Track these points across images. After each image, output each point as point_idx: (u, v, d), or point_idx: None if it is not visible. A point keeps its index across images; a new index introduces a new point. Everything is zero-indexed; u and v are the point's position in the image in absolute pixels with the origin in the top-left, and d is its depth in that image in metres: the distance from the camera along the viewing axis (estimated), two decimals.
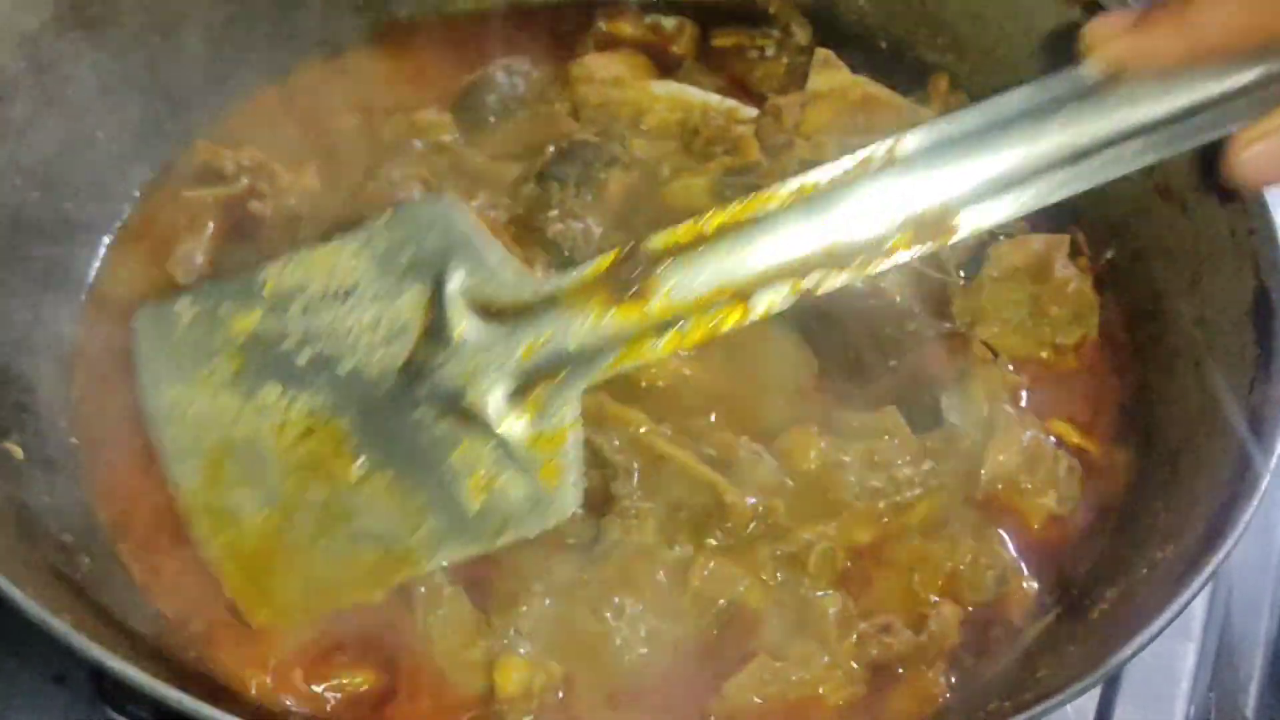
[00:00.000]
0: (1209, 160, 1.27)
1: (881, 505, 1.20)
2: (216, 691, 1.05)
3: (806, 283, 1.04)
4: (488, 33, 1.56)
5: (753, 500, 1.18)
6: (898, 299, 1.33)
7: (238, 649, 1.12)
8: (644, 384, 1.25)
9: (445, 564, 1.11)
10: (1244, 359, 1.20)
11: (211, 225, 1.36)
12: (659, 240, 1.05)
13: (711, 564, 1.15)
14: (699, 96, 1.47)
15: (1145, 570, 1.13)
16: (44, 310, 1.27)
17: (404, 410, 1.09)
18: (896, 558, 1.19)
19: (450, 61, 1.53)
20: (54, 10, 1.29)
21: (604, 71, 1.49)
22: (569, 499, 1.10)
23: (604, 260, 1.06)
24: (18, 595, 0.96)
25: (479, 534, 1.10)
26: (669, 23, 1.58)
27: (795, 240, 1.03)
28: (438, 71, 1.52)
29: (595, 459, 1.18)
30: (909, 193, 1.02)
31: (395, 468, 1.10)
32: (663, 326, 1.06)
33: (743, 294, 1.05)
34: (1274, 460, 1.10)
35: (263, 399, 1.10)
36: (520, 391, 1.08)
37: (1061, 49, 1.01)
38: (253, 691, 1.10)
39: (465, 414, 1.08)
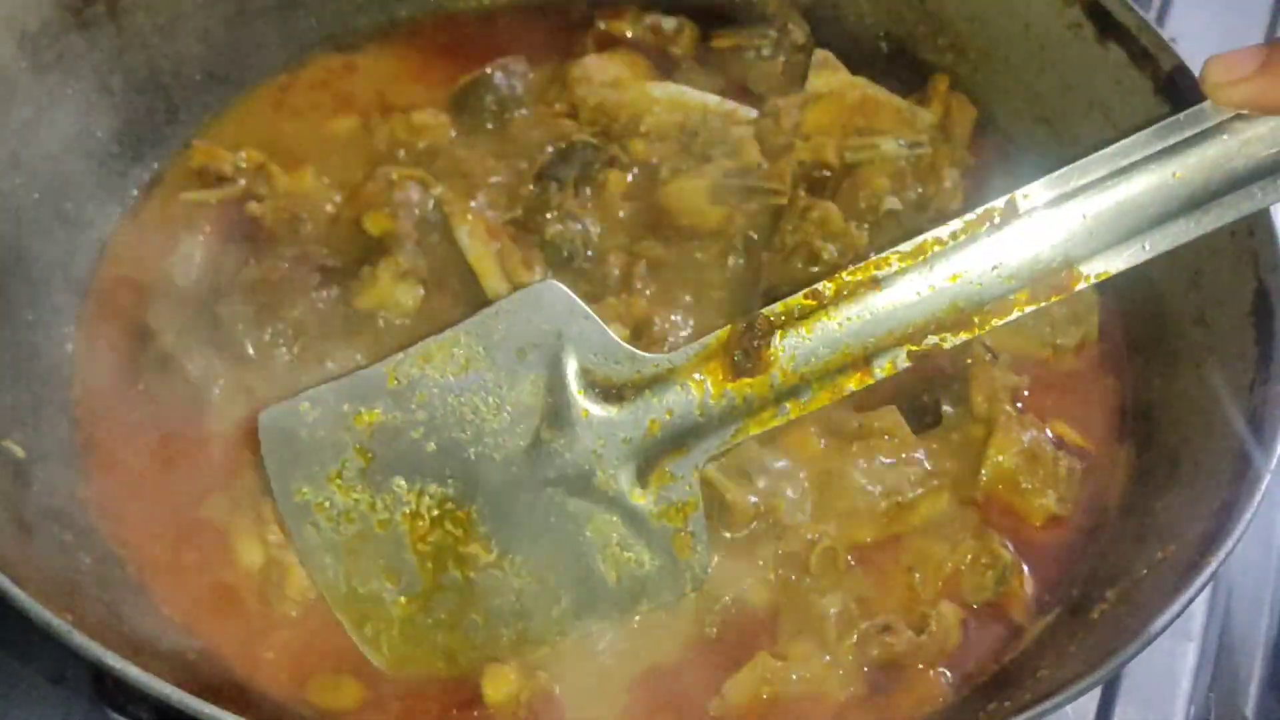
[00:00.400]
0: None
1: (882, 505, 1.20)
2: (216, 690, 1.04)
3: (927, 343, 1.05)
4: (486, 33, 1.56)
5: (754, 500, 1.17)
6: None
7: (237, 647, 1.13)
8: None
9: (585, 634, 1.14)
10: (1244, 359, 1.20)
11: (210, 226, 1.36)
12: (776, 309, 1.06)
13: (712, 565, 1.15)
14: (698, 98, 1.47)
15: (1146, 570, 1.13)
16: (44, 309, 1.27)
17: (533, 492, 1.11)
18: (897, 557, 1.20)
19: (448, 62, 1.53)
20: (54, 10, 1.29)
21: (603, 72, 1.49)
22: (702, 564, 1.13)
23: (723, 333, 1.08)
24: (19, 594, 0.96)
25: (616, 605, 1.13)
26: (668, 23, 1.58)
27: (914, 302, 1.04)
28: (436, 72, 1.52)
29: None
30: (1030, 247, 1.02)
31: (528, 549, 1.12)
32: (784, 395, 1.07)
33: (864, 359, 1.06)
34: (1274, 460, 1.10)
35: (393, 491, 1.11)
36: (646, 467, 1.10)
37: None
38: (252, 690, 1.10)
39: (595, 492, 1.10)
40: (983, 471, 1.23)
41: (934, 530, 1.21)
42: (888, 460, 1.22)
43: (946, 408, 1.26)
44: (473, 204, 1.36)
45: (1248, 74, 0.95)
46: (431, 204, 1.35)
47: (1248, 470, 1.11)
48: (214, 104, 1.45)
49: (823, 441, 1.23)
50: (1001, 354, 1.29)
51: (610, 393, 1.09)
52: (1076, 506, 1.24)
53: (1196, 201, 1.00)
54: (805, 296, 1.06)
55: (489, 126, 1.47)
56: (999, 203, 1.03)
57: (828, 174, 1.41)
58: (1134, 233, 1.01)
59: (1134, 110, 1.37)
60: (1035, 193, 1.02)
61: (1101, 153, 1.01)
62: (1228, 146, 0.98)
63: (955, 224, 1.03)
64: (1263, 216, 1.22)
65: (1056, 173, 1.02)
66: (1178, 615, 1.02)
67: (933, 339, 1.05)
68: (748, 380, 1.07)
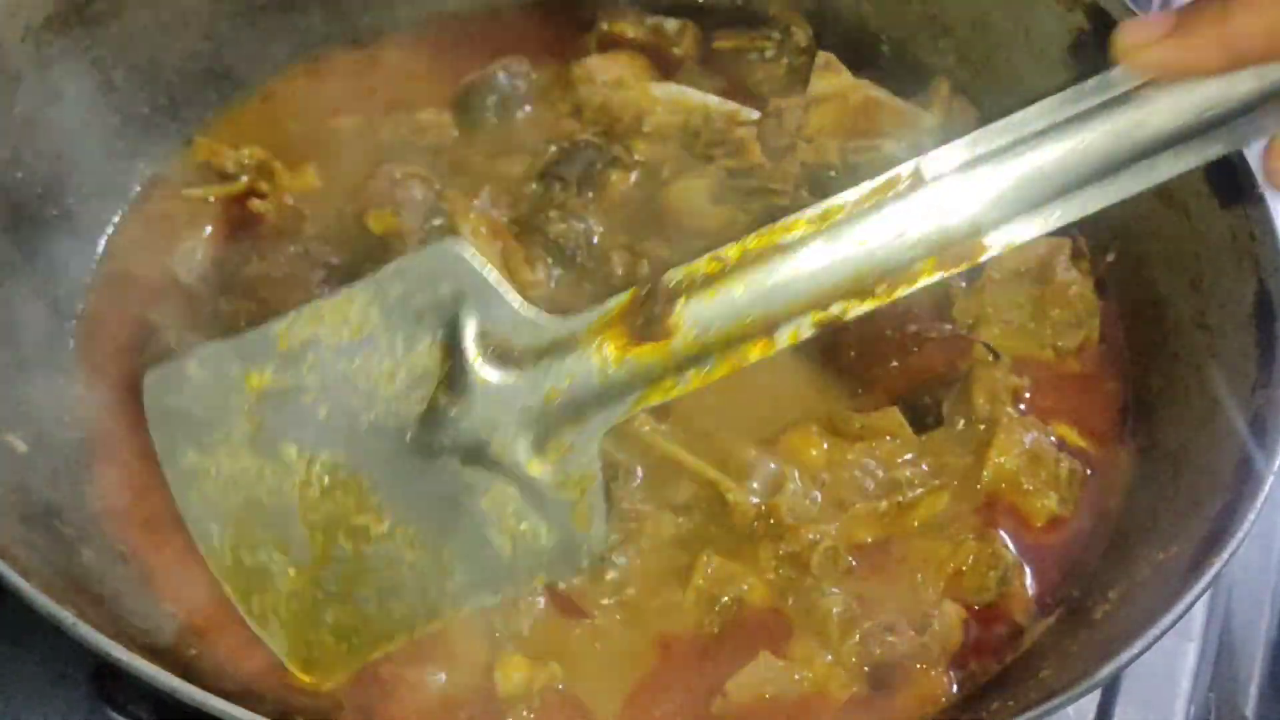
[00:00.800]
0: (1212, 163, 1.29)
1: (883, 505, 1.21)
2: (218, 684, 1.04)
3: (831, 311, 1.02)
4: (489, 33, 1.56)
5: (755, 500, 1.18)
6: (899, 300, 1.33)
7: (238, 643, 1.12)
8: None
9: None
10: (1246, 361, 1.20)
11: (212, 223, 1.36)
12: (679, 275, 1.03)
13: (713, 564, 1.15)
14: (699, 99, 1.48)
15: (1148, 572, 1.13)
16: (46, 305, 1.27)
17: (427, 461, 1.07)
18: (899, 558, 1.20)
19: (451, 61, 1.53)
20: (57, 6, 1.29)
21: (605, 73, 1.49)
22: (599, 537, 1.10)
23: (623, 299, 1.04)
24: (24, 586, 0.96)
25: (511, 578, 1.10)
26: (670, 24, 1.58)
27: (819, 269, 1.01)
28: (438, 71, 1.52)
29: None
30: (936, 215, 0.99)
31: (421, 520, 1.08)
32: (686, 364, 1.04)
33: (767, 327, 1.02)
34: (1276, 463, 1.10)
35: (282, 458, 1.08)
36: (544, 436, 1.06)
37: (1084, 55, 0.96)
38: (254, 687, 1.10)
39: (490, 461, 1.07)
40: (984, 472, 1.23)
41: (936, 531, 1.21)
42: (889, 461, 1.22)
43: (948, 409, 1.26)
44: (475, 203, 1.36)
45: (1157, 38, 0.92)
46: (434, 202, 1.35)
47: (1249, 473, 1.11)
48: (217, 100, 1.45)
49: (824, 442, 1.23)
50: (1003, 355, 1.30)
51: (509, 358, 1.05)
52: (1078, 508, 1.24)
53: (1106, 169, 0.97)
54: (709, 261, 1.02)
55: (492, 126, 1.47)
56: (905, 168, 1.00)
57: (831, 175, 1.41)
58: (1042, 201, 0.99)
59: None
60: (942, 158, 0.99)
61: (1009, 119, 0.99)
62: (1137, 114, 0.95)
63: (861, 189, 1.00)
64: (1264, 220, 1.23)
65: (963, 139, 0.99)
66: (1180, 617, 1.02)
67: (838, 307, 1.02)
68: (649, 347, 1.03)
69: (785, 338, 1.03)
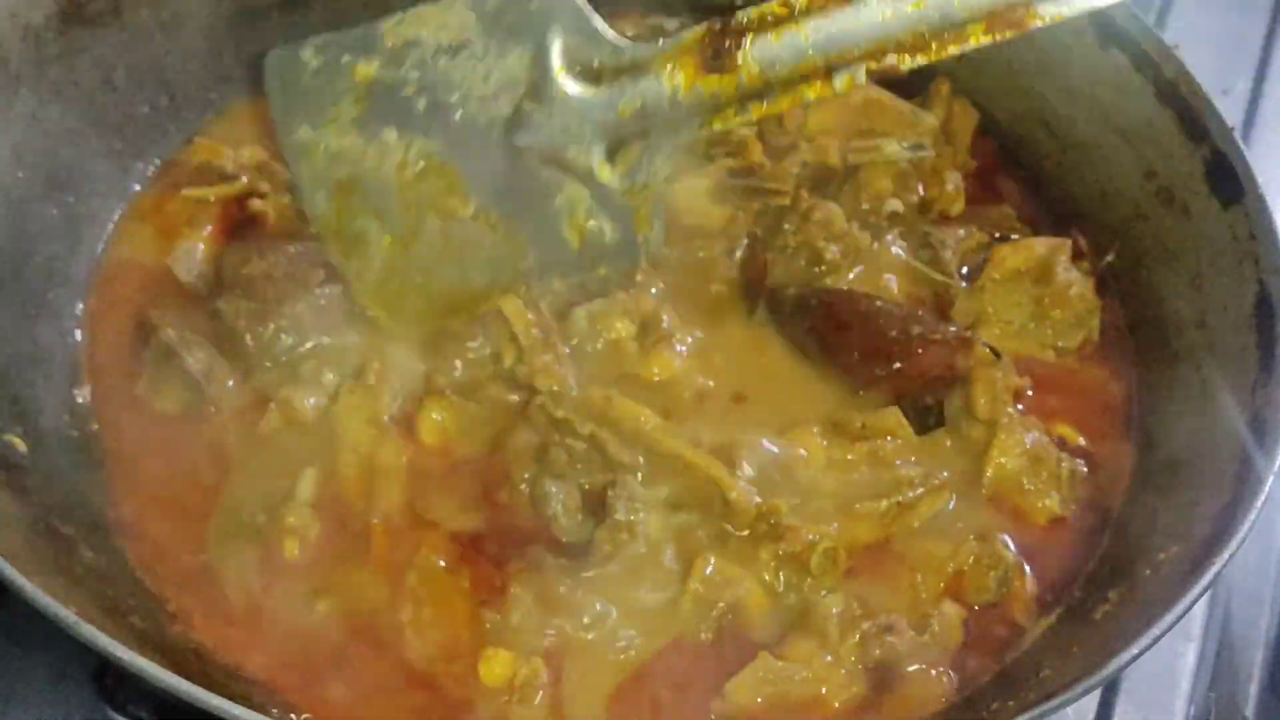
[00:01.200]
0: (1212, 164, 1.29)
1: (884, 505, 1.21)
2: (217, 682, 1.04)
3: (886, 62, 1.12)
4: None
5: (756, 500, 1.17)
6: (900, 301, 1.34)
7: (238, 641, 1.12)
8: (648, 381, 1.26)
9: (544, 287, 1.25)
10: (1245, 361, 1.21)
11: (212, 223, 1.36)
12: (749, 15, 1.13)
13: (712, 565, 1.15)
14: None
15: (1148, 572, 1.14)
16: (47, 304, 1.27)
17: (511, 158, 1.21)
18: (899, 558, 1.20)
19: None
20: (58, 5, 1.29)
21: None
22: (657, 240, 1.25)
23: (697, 31, 1.16)
24: (26, 585, 0.96)
25: (578, 266, 1.26)
26: (670, 25, 1.57)
27: (879, 21, 1.11)
28: None
29: (599, 458, 1.18)
30: None
31: (502, 208, 1.23)
32: (748, 96, 1.16)
33: (826, 71, 1.13)
34: (1277, 463, 1.10)
35: (384, 141, 1.21)
36: (615, 147, 1.20)
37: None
38: (254, 685, 1.10)
39: (566, 165, 1.19)
40: (985, 472, 1.23)
41: (936, 531, 1.21)
42: (890, 461, 1.22)
43: (949, 409, 1.27)
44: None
45: None
46: None
47: (1249, 472, 1.11)
48: (216, 101, 1.45)
49: (825, 442, 1.23)
50: (1004, 355, 1.30)
51: (589, 74, 1.19)
52: (1079, 508, 1.25)
53: None
54: (778, 5, 1.14)
55: None
56: None
57: (830, 175, 1.41)
58: None
59: (1135, 114, 1.38)
60: None
61: None
62: None
63: None
64: (1264, 220, 1.23)
65: None
66: (1180, 617, 1.03)
67: (892, 59, 1.12)
68: (716, 78, 1.16)
69: (841, 83, 1.14)
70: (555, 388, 1.20)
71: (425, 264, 1.25)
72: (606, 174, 1.21)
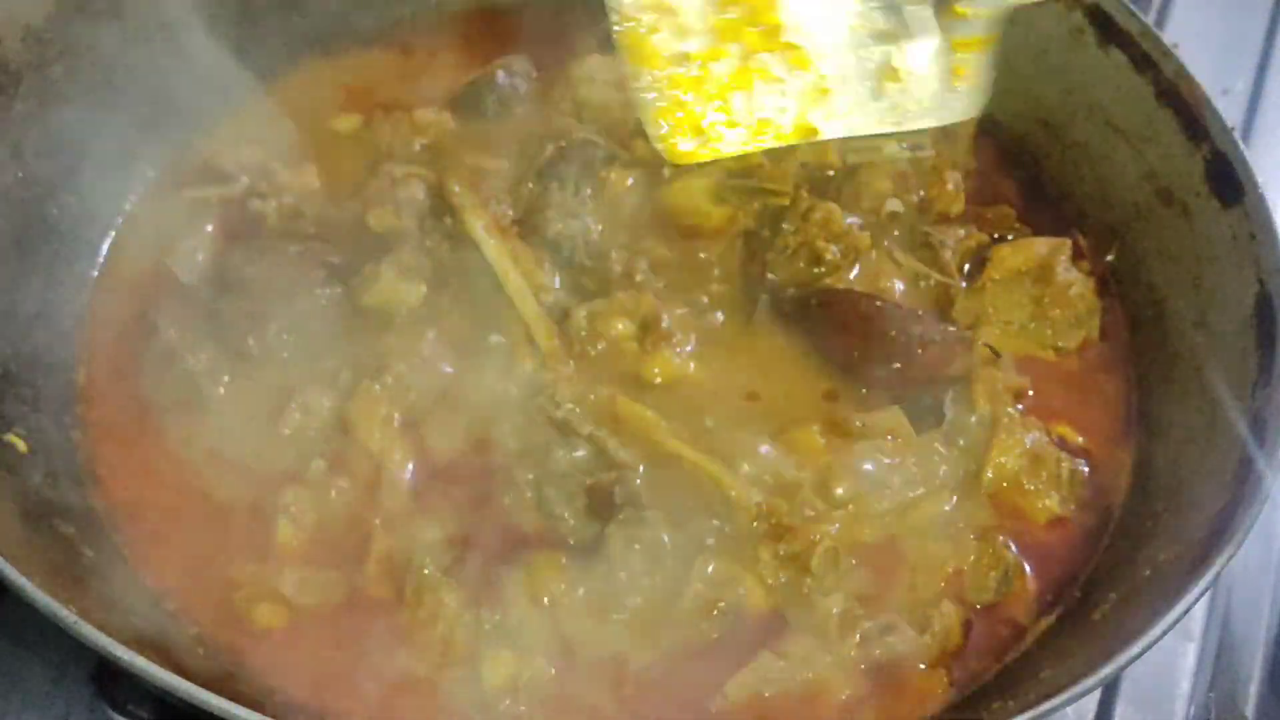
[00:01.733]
0: (1212, 164, 1.29)
1: (884, 505, 1.21)
2: (218, 684, 1.04)
3: None
4: (489, 32, 1.56)
5: (757, 499, 1.18)
6: (900, 301, 1.34)
7: (238, 640, 1.12)
8: (649, 381, 1.26)
9: (841, 135, 1.25)
10: (1245, 362, 1.21)
11: (212, 223, 1.36)
12: None
13: (712, 565, 1.15)
14: None
15: (1148, 572, 1.14)
16: (47, 305, 1.27)
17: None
18: (900, 558, 1.20)
19: (450, 61, 1.53)
20: (58, 5, 1.29)
21: (606, 72, 1.49)
22: (979, 94, 1.26)
23: None
24: (26, 585, 0.96)
25: (880, 118, 1.24)
26: None
27: None
28: (438, 71, 1.52)
29: (601, 459, 1.18)
30: None
31: (816, 41, 1.20)
32: None
33: None
34: (1276, 463, 1.10)
35: None
36: (943, 4, 1.21)
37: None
38: (255, 683, 1.10)
39: (902, 16, 1.20)
40: (985, 472, 1.23)
41: (936, 530, 1.21)
42: (890, 460, 1.22)
43: (949, 409, 1.26)
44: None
45: None
46: (435, 201, 1.34)
47: (1249, 473, 1.11)
48: (216, 102, 1.44)
49: (825, 441, 1.23)
50: (1004, 355, 1.30)
51: None
52: (1079, 507, 1.25)
53: None
54: None
55: (491, 125, 1.46)
56: None
57: (830, 174, 1.41)
58: None
59: (1135, 114, 1.38)
60: None
61: None
62: None
63: None
64: (1264, 221, 1.23)
65: None
66: (1180, 617, 1.03)
67: None
68: None
69: None
70: (573, 406, 1.20)
71: (716, 91, 1.20)
72: (941, 21, 1.22)
